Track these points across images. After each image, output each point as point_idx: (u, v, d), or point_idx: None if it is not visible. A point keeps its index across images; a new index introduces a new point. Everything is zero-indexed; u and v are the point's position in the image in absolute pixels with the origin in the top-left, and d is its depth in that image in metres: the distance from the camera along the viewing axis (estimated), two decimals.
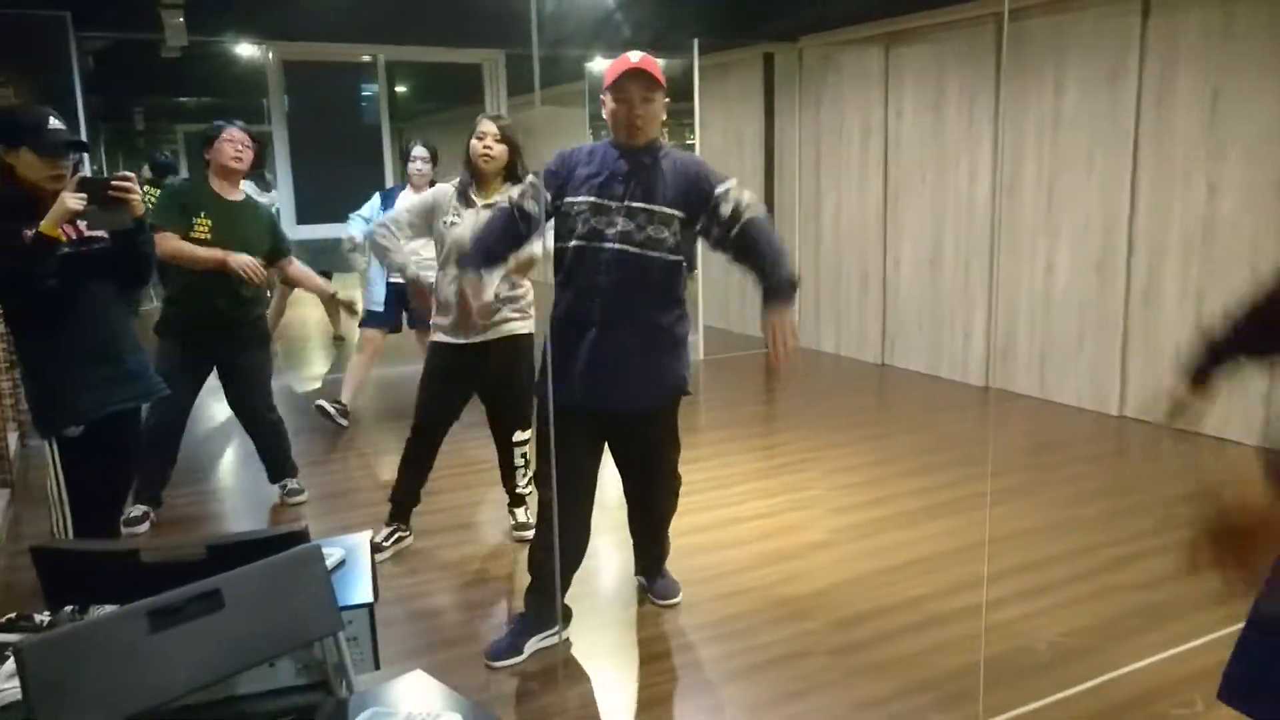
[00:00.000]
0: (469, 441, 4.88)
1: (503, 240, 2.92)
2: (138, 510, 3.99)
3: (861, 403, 6.32)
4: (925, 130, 6.54)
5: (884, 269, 7.00)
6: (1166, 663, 2.88)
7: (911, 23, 6.45)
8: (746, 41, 7.54)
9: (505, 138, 3.58)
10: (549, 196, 2.84)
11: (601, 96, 2.87)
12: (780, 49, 7.49)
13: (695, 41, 7.01)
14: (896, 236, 6.88)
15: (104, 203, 2.71)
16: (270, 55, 6.85)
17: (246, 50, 7.33)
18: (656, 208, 2.78)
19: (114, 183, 2.73)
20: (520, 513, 3.97)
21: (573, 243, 2.83)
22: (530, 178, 2.89)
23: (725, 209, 2.77)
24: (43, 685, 1.31)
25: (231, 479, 4.93)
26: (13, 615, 2.18)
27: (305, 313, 9.07)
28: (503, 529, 3.99)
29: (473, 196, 3.62)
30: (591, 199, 2.80)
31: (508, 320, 3.68)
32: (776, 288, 2.70)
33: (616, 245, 2.77)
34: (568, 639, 3.08)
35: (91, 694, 1.36)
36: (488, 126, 3.58)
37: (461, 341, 3.65)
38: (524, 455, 3.89)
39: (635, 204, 2.78)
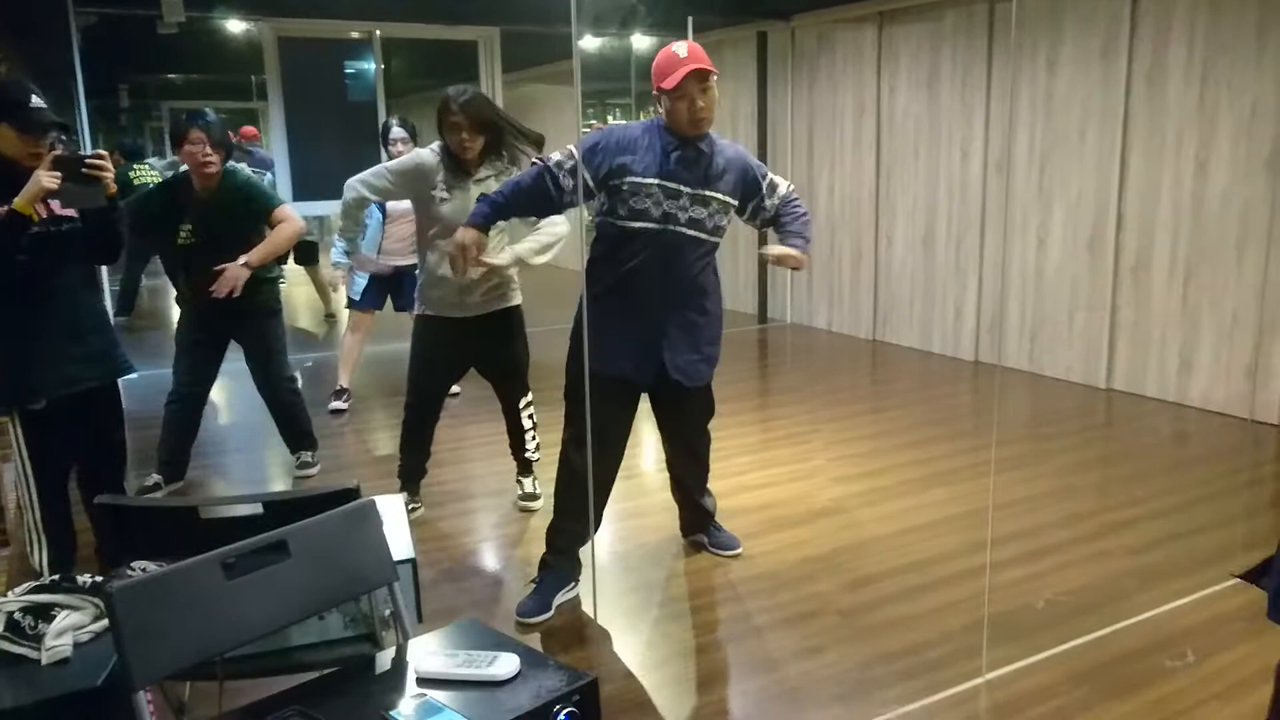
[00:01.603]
0: (471, 416, 4.95)
1: (530, 204, 2.91)
2: (151, 480, 4.05)
3: (856, 378, 6.42)
4: (918, 108, 6.62)
5: (876, 246, 7.09)
6: (1160, 618, 3.01)
7: (905, 1, 6.51)
8: (740, 20, 7.57)
9: (478, 120, 3.46)
10: (588, 177, 2.79)
11: (655, 93, 2.81)
12: (774, 27, 7.53)
13: (689, 20, 7.05)
14: (889, 213, 6.97)
15: (78, 181, 2.71)
16: (265, 32, 6.83)
17: (238, 26, 7.31)
18: (722, 195, 2.90)
19: (89, 160, 2.74)
20: (527, 483, 4.04)
21: (639, 224, 2.82)
22: (572, 150, 2.82)
23: (772, 201, 3.03)
24: (132, 626, 1.38)
25: (248, 450, 4.98)
26: (56, 577, 2.25)
27: (298, 290, 9.09)
28: (509, 499, 4.07)
29: (463, 171, 3.55)
30: (661, 181, 2.79)
31: (503, 294, 3.71)
32: (798, 234, 3.02)
33: (689, 231, 2.85)
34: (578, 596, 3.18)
35: (176, 634, 1.44)
36: (459, 119, 3.42)
37: (456, 316, 3.65)
38: (531, 417, 3.95)
39: (703, 191, 2.85)
